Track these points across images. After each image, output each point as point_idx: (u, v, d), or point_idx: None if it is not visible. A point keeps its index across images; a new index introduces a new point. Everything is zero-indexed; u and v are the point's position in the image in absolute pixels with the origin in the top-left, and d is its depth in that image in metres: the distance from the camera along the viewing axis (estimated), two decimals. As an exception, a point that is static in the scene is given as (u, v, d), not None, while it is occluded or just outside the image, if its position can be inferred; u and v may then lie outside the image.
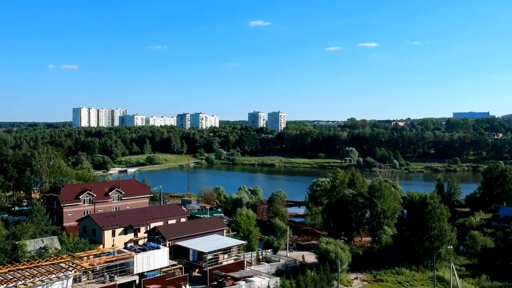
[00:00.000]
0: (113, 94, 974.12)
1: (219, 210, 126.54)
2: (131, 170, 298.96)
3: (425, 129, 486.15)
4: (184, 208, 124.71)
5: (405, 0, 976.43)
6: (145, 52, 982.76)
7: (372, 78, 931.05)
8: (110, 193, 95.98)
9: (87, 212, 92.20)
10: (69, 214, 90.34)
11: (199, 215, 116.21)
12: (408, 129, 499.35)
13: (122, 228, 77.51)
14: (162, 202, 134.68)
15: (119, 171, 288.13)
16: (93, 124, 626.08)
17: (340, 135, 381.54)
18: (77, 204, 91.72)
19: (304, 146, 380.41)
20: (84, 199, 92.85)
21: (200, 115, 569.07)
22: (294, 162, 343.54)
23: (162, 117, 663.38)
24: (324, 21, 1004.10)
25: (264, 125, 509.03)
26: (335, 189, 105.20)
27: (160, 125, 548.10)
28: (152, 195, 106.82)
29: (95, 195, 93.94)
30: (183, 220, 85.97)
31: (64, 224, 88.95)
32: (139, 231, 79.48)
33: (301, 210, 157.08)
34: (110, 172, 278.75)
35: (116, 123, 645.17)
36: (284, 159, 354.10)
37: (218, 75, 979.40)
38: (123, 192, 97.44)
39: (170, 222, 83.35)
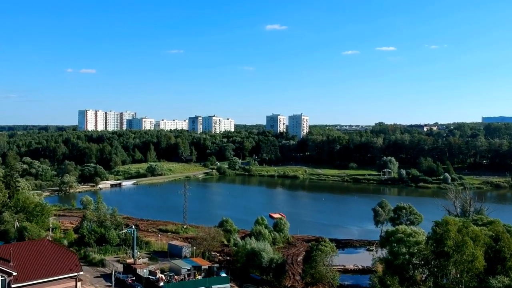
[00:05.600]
0: (128, 97, 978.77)
1: (223, 273, 75.01)
2: (126, 183, 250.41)
3: (464, 135, 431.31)
4: (168, 262, 73.48)
5: (421, 5, 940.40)
6: (162, 56, 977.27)
7: (392, 82, 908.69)
8: (-16, 276, 45.50)
9: None
10: None
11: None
12: (445, 134, 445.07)
13: None
14: (134, 255, 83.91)
15: (112, 185, 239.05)
16: (101, 127, 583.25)
17: (375, 142, 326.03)
18: None
19: (332, 155, 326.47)
20: None
21: (214, 118, 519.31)
22: (321, 174, 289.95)
23: (174, 120, 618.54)
24: (340, 25, 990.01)
25: (284, 130, 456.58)
26: (448, 258, 52.96)
27: (170, 129, 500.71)
28: (78, 274, 55.39)
29: None
30: None
31: None
32: None
33: (349, 258, 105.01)
34: (100, 186, 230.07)
35: (125, 127, 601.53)
36: (309, 170, 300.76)
37: (234, 79, 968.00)
38: (15, 273, 46.68)
39: None
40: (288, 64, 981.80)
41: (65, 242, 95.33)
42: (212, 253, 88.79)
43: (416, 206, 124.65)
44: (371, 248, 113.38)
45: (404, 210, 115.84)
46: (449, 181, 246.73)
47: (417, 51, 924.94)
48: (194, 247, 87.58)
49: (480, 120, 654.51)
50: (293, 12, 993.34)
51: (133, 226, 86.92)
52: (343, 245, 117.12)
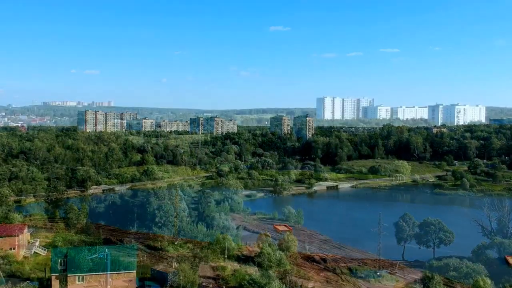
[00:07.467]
0: (131, 98, 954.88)
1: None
2: (120, 188, 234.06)
3: (475, 136, 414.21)
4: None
5: (425, 7, 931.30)
6: (168, 57, 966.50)
7: (395, 83, 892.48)
8: None
9: None
10: None
11: None
12: (455, 136, 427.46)
13: None
14: (107, 284, 67.57)
15: (104, 191, 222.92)
16: (101, 128, 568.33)
17: (385, 143, 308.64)
18: None
19: (339, 157, 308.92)
20: None
21: (215, 119, 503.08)
22: (328, 178, 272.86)
23: (175, 121, 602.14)
24: (344, 27, 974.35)
25: (289, 131, 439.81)
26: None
27: (170, 131, 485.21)
28: None
29: None
30: None
31: None
32: None
33: (369, 284, 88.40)
34: (91, 191, 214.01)
35: (126, 127, 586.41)
36: (315, 174, 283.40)
37: (236, 80, 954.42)
38: None
39: None
40: (290, 65, 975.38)
41: (26, 267, 79.16)
42: (204, 284, 72.23)
43: (436, 216, 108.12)
44: (394, 271, 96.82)
45: (433, 227, 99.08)
46: (468, 187, 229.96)
47: (420, 52, 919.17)
48: (181, 277, 70.83)
49: (487, 122, 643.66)
50: (296, 14, 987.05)
51: (106, 250, 70.30)
52: (360, 266, 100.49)
